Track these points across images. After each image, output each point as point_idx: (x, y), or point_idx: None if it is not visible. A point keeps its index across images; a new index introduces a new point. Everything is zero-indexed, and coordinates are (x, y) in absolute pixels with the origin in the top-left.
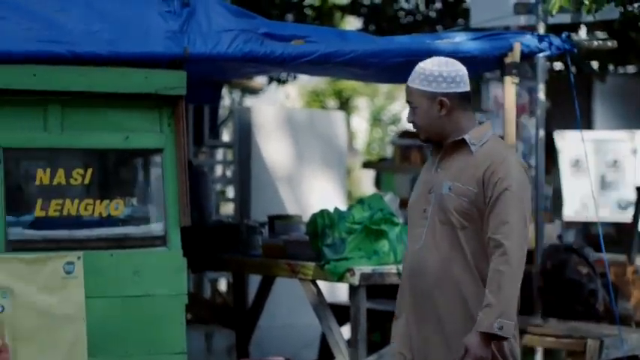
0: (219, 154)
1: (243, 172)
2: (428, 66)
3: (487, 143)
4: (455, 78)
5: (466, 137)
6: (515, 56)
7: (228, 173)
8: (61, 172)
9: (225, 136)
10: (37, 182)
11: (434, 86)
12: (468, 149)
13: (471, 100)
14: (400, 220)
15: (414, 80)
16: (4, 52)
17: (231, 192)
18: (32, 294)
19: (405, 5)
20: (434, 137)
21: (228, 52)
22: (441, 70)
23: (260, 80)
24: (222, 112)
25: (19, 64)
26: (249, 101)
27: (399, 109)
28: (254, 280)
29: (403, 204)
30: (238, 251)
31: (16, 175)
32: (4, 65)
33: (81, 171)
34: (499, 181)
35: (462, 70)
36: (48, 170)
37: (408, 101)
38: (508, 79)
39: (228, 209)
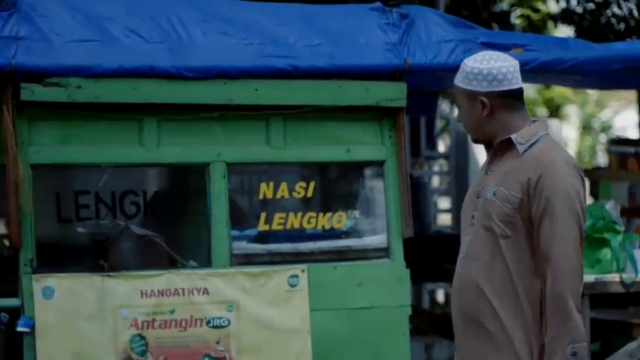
0: (436, 165)
1: (460, 182)
2: (470, 63)
3: (537, 144)
4: (497, 76)
5: (512, 137)
6: None
7: (444, 184)
8: (283, 185)
9: (441, 147)
10: (261, 196)
11: (474, 85)
12: (516, 150)
13: (521, 97)
14: (622, 228)
15: (458, 78)
16: (227, 67)
17: (443, 203)
18: (257, 307)
19: (617, 12)
20: (481, 138)
21: (448, 62)
22: (482, 68)
23: None
24: (438, 123)
25: (241, 79)
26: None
27: (610, 116)
28: None
29: (624, 212)
30: None
31: (240, 190)
32: (227, 80)
33: (303, 184)
34: (546, 189)
35: (506, 66)
36: (271, 184)
37: (454, 100)
38: None
39: (442, 220)
